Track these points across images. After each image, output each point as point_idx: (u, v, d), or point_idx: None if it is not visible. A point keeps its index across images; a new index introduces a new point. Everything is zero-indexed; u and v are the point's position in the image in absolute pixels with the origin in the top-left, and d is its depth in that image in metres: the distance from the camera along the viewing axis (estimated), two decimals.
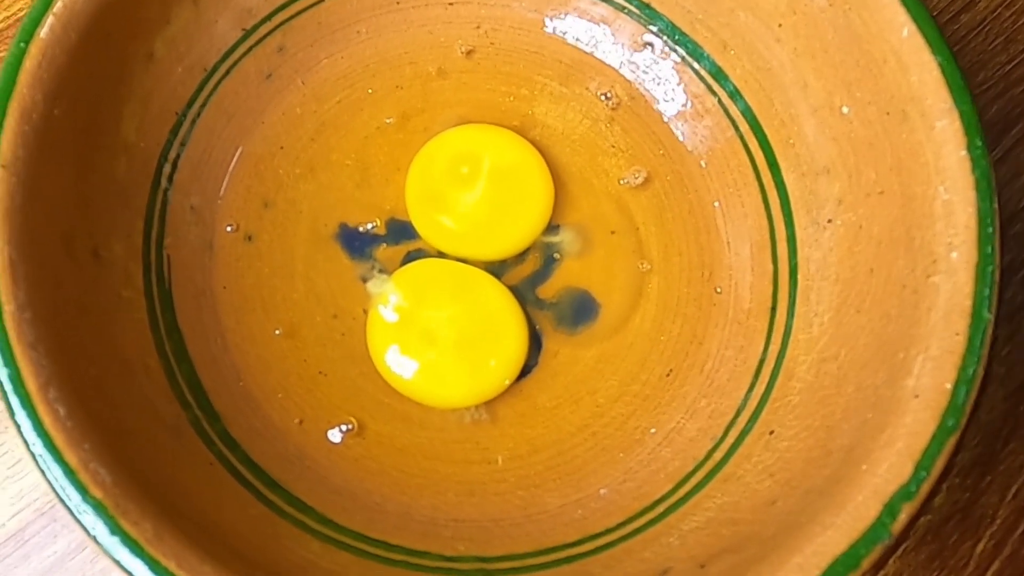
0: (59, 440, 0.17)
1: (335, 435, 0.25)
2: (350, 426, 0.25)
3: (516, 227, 0.27)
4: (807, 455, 0.20)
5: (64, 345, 0.19)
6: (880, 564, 0.26)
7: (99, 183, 0.23)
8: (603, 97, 0.28)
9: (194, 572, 0.17)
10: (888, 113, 0.22)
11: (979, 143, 0.20)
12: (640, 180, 0.27)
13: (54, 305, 0.20)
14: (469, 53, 0.29)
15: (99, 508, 0.17)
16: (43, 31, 0.21)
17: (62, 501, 0.17)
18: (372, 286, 0.26)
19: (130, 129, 0.24)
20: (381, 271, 0.27)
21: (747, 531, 0.20)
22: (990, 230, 0.19)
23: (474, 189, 0.27)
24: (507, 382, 0.25)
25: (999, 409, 0.28)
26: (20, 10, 0.32)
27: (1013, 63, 0.32)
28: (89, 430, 0.18)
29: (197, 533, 0.18)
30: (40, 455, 0.17)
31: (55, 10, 0.22)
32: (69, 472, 0.17)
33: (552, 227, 0.27)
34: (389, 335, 0.26)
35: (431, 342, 0.25)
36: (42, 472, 0.17)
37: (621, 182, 0.27)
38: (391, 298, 0.26)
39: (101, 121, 0.23)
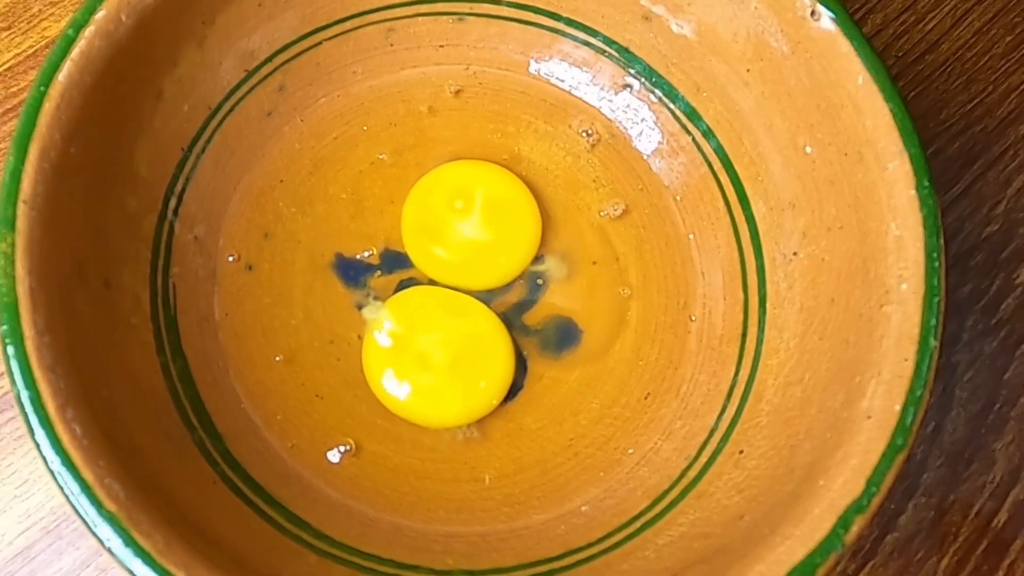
0: (76, 457, 0.19)
1: (334, 456, 0.26)
2: (348, 447, 0.26)
3: (506, 258, 0.29)
4: (773, 472, 0.22)
5: (79, 368, 0.20)
6: None
7: (110, 216, 0.25)
8: (584, 134, 0.30)
9: None
10: (846, 154, 0.23)
11: (927, 183, 0.21)
12: (619, 212, 0.29)
13: (70, 330, 0.21)
14: (458, 92, 0.30)
15: (113, 521, 0.18)
16: (61, 75, 0.23)
17: (79, 515, 0.18)
18: (367, 312, 0.28)
19: (140, 164, 0.26)
20: (376, 298, 0.28)
21: (717, 544, 0.21)
22: (936, 264, 0.20)
23: (467, 221, 0.29)
24: (495, 402, 0.26)
25: (962, 431, 0.29)
26: (30, 47, 0.34)
27: (974, 102, 0.34)
28: (104, 448, 0.19)
29: (203, 545, 0.19)
30: (58, 472, 0.19)
31: (73, 56, 0.23)
32: (86, 487, 0.18)
33: (537, 257, 0.29)
34: (384, 359, 0.27)
35: (424, 365, 0.27)
36: (60, 488, 0.19)
37: (601, 214, 0.29)
38: (385, 324, 0.27)
39: (114, 157, 0.25)
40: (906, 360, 0.20)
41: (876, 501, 0.19)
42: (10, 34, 0.34)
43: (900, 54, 0.35)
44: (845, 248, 0.23)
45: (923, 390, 0.19)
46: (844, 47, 0.23)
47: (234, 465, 0.24)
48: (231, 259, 0.28)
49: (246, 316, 0.27)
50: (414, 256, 0.28)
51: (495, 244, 0.28)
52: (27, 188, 0.21)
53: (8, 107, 0.33)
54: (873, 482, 0.19)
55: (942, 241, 0.21)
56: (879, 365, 0.20)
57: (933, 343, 0.20)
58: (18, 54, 0.34)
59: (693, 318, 0.27)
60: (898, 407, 0.19)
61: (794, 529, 0.19)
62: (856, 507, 0.19)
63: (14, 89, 0.33)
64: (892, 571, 0.28)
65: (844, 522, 0.18)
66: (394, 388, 0.26)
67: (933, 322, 0.20)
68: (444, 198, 0.29)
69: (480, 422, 0.27)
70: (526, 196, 0.29)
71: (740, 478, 0.23)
